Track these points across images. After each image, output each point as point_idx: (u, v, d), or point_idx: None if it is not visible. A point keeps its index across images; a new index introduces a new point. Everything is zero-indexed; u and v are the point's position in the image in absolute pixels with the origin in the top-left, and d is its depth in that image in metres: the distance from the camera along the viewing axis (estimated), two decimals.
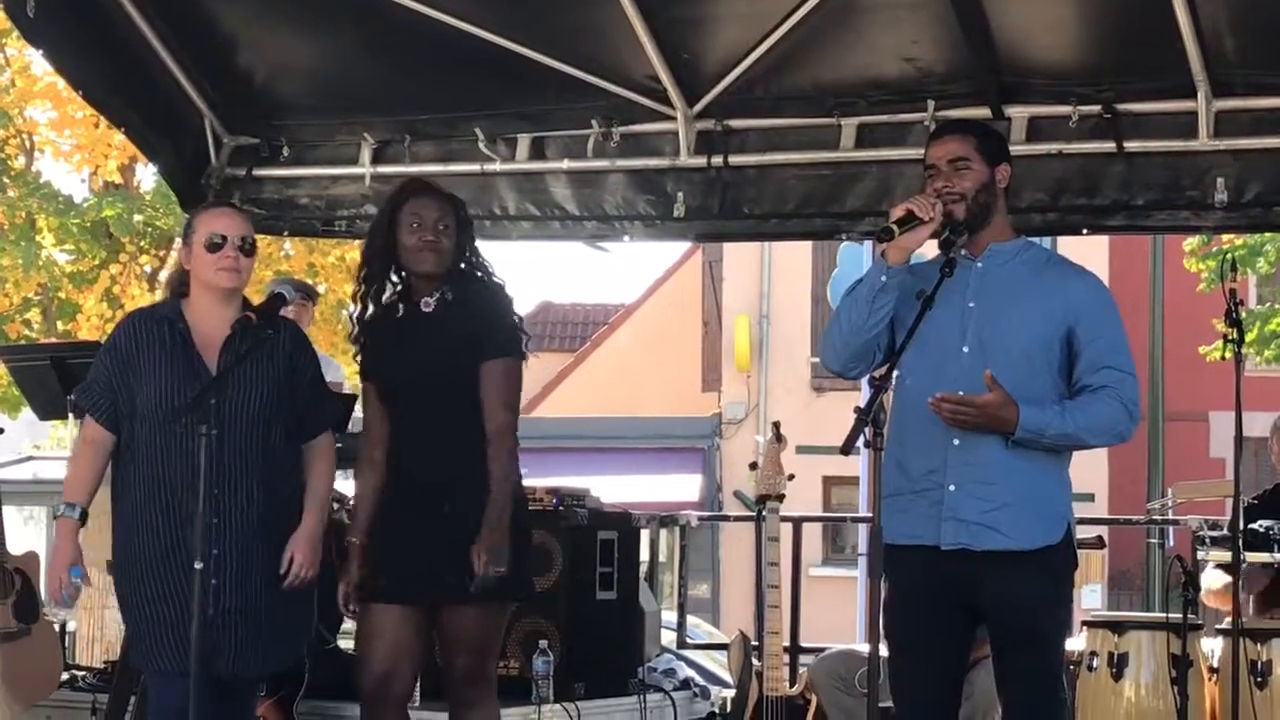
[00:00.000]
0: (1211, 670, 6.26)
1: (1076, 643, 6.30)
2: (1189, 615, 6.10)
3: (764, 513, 6.82)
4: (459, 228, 5.32)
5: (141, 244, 15.92)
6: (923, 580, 4.74)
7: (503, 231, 7.30)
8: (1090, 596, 16.52)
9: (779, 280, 23.41)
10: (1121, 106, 6.33)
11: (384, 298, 5.37)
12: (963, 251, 4.79)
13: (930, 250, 4.84)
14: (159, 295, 12.43)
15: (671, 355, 25.59)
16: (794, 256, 22.75)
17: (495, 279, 5.37)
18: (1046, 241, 7.40)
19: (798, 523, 8.07)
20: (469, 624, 5.18)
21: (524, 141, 7.18)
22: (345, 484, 7.30)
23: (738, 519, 18.05)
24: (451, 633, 5.20)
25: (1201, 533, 6.54)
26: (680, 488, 22.61)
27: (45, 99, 15.36)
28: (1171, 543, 9.24)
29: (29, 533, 16.28)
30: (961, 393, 4.67)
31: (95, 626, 11.38)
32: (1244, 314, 6.16)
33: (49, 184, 16.02)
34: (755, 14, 6.47)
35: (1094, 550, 7.30)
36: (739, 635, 7.00)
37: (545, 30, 6.73)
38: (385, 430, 5.33)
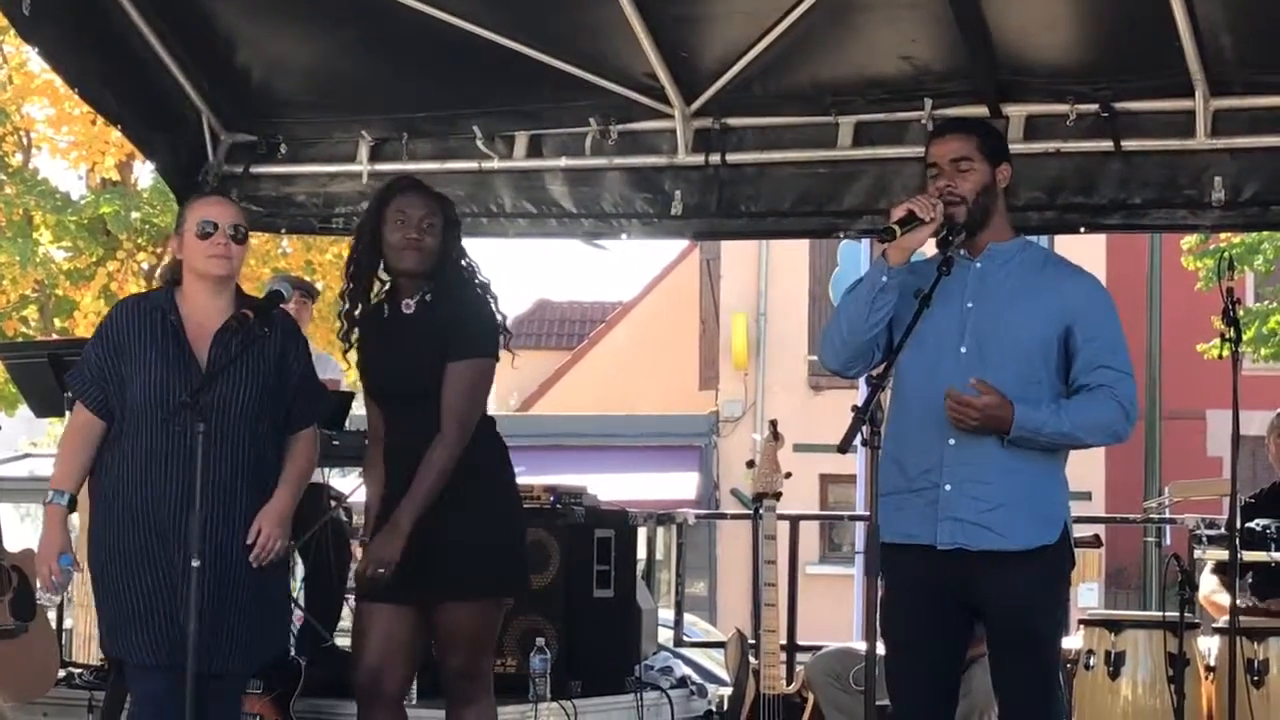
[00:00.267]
0: (1208, 669, 6.26)
1: (1073, 641, 6.31)
2: (1186, 614, 6.11)
3: (761, 511, 6.82)
4: (446, 227, 5.27)
5: (139, 241, 15.87)
6: (919, 579, 4.74)
7: (500, 229, 7.30)
8: (1087, 595, 16.50)
9: (776, 278, 23.41)
10: (1119, 105, 6.33)
11: (374, 296, 5.35)
12: (961, 251, 4.78)
13: (930, 249, 4.84)
14: None
15: (668, 353, 25.59)
16: (791, 254, 22.74)
17: (480, 280, 5.32)
18: (1044, 240, 7.40)
19: (795, 521, 8.08)
20: (462, 621, 5.17)
21: (522, 139, 7.18)
22: (343, 482, 7.32)
23: (735, 517, 18.03)
24: (445, 630, 5.19)
25: (1198, 531, 6.55)
26: (677, 486, 22.60)
27: (42, 96, 15.32)
28: (1168, 541, 9.24)
29: (25, 530, 16.26)
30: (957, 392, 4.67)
31: (92, 624, 11.38)
32: (1241, 312, 6.15)
33: (46, 181, 15.98)
34: (753, 12, 6.47)
35: (1091, 549, 7.30)
36: (736, 633, 7.00)
37: (543, 28, 6.73)
38: (380, 429, 5.33)
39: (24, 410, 11.31)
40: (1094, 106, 6.34)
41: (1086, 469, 16.33)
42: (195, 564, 4.75)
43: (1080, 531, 4.92)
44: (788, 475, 6.89)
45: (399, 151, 7.29)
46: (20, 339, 15.28)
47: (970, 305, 4.77)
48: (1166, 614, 6.17)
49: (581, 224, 7.26)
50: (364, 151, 7.37)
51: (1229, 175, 6.28)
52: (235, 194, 7.45)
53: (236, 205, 5.37)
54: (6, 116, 15.71)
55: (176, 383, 4.96)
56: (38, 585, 4.97)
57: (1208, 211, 6.37)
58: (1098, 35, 6.27)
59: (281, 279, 7.20)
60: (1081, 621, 6.42)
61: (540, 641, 6.33)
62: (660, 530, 8.59)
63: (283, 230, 8.43)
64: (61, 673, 6.81)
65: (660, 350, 25.80)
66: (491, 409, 5.37)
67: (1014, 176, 5.00)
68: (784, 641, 7.29)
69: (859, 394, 5.39)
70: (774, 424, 7.01)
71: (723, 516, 21.17)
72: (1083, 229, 6.70)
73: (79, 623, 11.65)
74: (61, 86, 13.36)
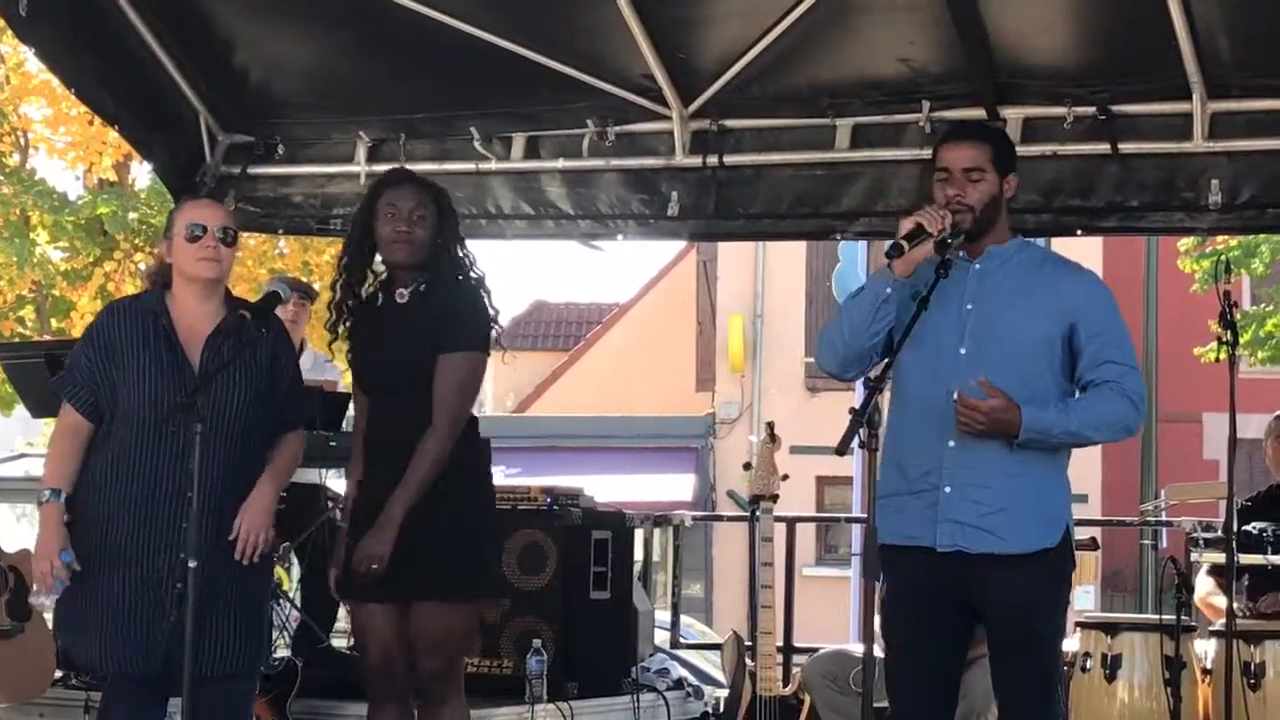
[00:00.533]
0: (1205, 672, 6.26)
1: (1070, 644, 6.30)
2: (1182, 617, 6.11)
3: (758, 513, 6.82)
4: (439, 218, 5.25)
5: (136, 241, 15.88)
6: (919, 581, 4.74)
7: (497, 230, 7.31)
8: (1083, 598, 16.47)
9: (773, 280, 23.41)
10: (1116, 108, 6.33)
11: (366, 287, 5.34)
12: (960, 253, 4.78)
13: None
14: None
15: (665, 355, 25.60)
16: (788, 256, 22.75)
17: (475, 272, 5.30)
18: (1041, 242, 7.40)
19: (791, 523, 8.08)
20: (436, 622, 5.12)
21: (519, 140, 7.18)
22: (341, 483, 7.31)
23: (731, 519, 18.04)
24: (418, 630, 5.14)
25: (1195, 534, 6.55)
26: (674, 487, 22.60)
27: (40, 96, 15.34)
28: (1165, 544, 9.24)
29: (21, 530, 16.25)
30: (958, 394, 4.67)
31: None
32: (1238, 315, 6.16)
33: (43, 181, 15.99)
34: (751, 14, 6.47)
35: (1087, 551, 7.29)
36: (732, 635, 7.00)
37: (541, 30, 6.73)
38: (364, 422, 5.30)
39: (20, 410, 11.31)
40: (1091, 109, 6.35)
41: (1083, 471, 16.28)
42: (192, 564, 4.73)
43: (1077, 534, 4.91)
44: (784, 477, 6.89)
45: (397, 153, 7.29)
46: (17, 339, 15.27)
47: (970, 307, 4.77)
48: (1163, 617, 6.17)
49: (578, 225, 7.27)
50: (362, 152, 7.37)
51: (1226, 178, 6.28)
52: (233, 195, 7.46)
53: (225, 208, 5.38)
54: (4, 117, 15.72)
55: (170, 387, 4.94)
56: (35, 586, 4.93)
57: (1205, 214, 6.37)
58: (1095, 38, 6.28)
59: (279, 280, 7.17)
60: (1078, 624, 6.41)
61: (537, 643, 6.33)
62: (657, 532, 8.58)
63: (280, 231, 8.44)
64: (58, 673, 6.81)
65: (657, 352, 25.80)
66: (488, 410, 5.40)
67: None
68: (780, 643, 7.29)
69: (856, 396, 5.40)
70: (771, 426, 7.01)
71: (719, 518, 21.18)
72: (1080, 231, 6.71)
73: None
74: (59, 86, 13.35)
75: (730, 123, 6.89)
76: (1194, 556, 6.68)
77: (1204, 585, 6.79)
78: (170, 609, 4.84)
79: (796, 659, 7.50)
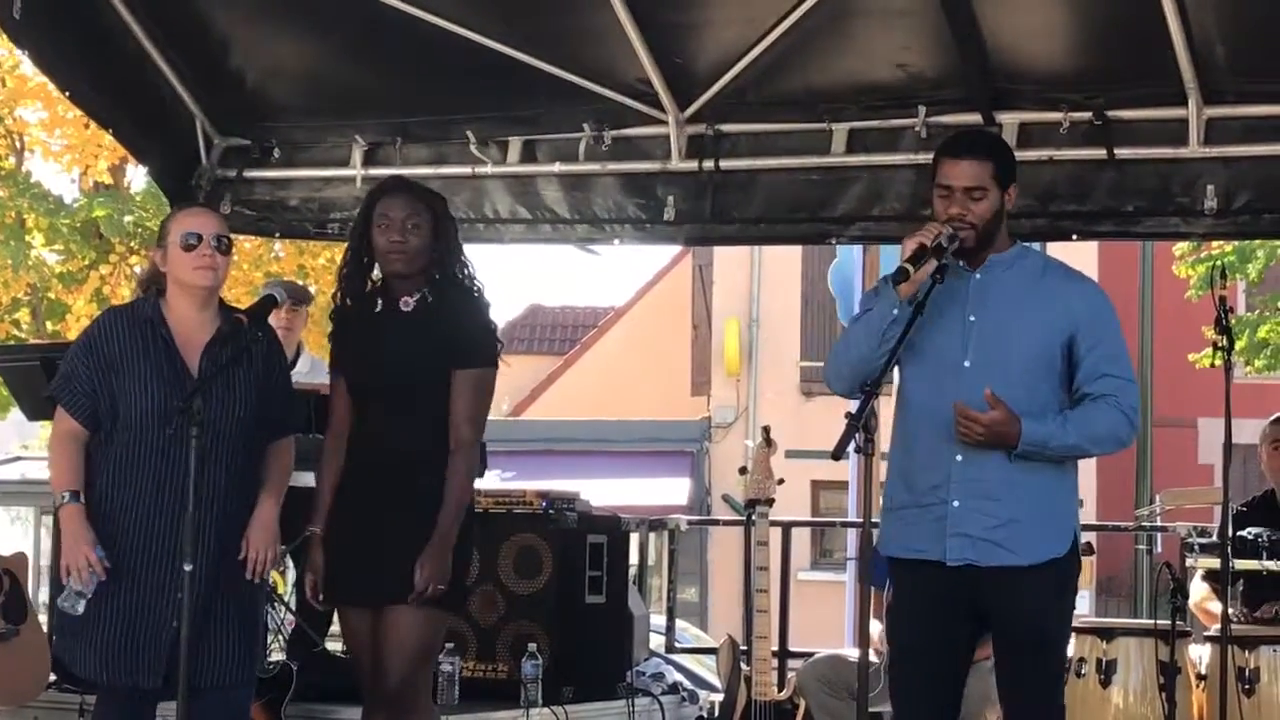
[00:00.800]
0: (1199, 677, 6.27)
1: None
2: (1177, 622, 6.11)
3: (753, 517, 6.82)
4: (436, 226, 5.23)
5: (131, 245, 15.87)
6: (928, 591, 4.73)
7: (494, 234, 7.31)
8: (1078, 603, 16.51)
9: (769, 284, 23.39)
10: (1112, 113, 6.34)
11: (364, 290, 5.33)
12: (960, 263, 4.76)
13: None
14: None
15: (661, 359, 25.58)
16: (784, 261, 22.72)
17: (476, 283, 5.29)
18: (1037, 246, 7.40)
19: (787, 527, 8.08)
20: (405, 629, 5.07)
21: (515, 144, 7.18)
22: None
23: (727, 523, 18.02)
24: (385, 635, 5.09)
25: (1190, 540, 6.56)
26: (669, 491, 22.58)
27: (36, 99, 15.32)
28: (1160, 549, 9.23)
29: (16, 533, 16.22)
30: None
31: None
32: (1233, 321, 6.17)
33: (39, 184, 15.98)
34: (747, 19, 6.47)
35: (1083, 556, 7.30)
36: (727, 639, 7.00)
37: (537, 34, 6.73)
38: (348, 423, 5.25)
39: (15, 414, 11.31)
40: (1087, 114, 6.35)
41: (1078, 476, 16.30)
42: (188, 568, 4.72)
43: None
44: (780, 481, 6.90)
45: (393, 156, 7.29)
46: (12, 342, 15.26)
47: (972, 319, 4.75)
48: (1158, 622, 6.18)
49: (575, 229, 7.27)
50: (358, 156, 7.37)
51: (1221, 183, 6.29)
52: (229, 198, 7.46)
53: (219, 216, 5.36)
54: None
55: (172, 397, 4.91)
56: (69, 583, 4.90)
57: (1200, 219, 6.38)
58: (1091, 43, 6.28)
59: (275, 284, 7.17)
60: (1073, 629, 6.41)
61: (532, 647, 6.33)
62: (652, 536, 8.58)
63: (276, 234, 8.44)
64: (53, 676, 6.80)
65: (652, 356, 25.78)
66: None
67: None
68: (775, 648, 7.29)
69: (852, 401, 5.38)
70: (766, 430, 7.01)
71: (715, 523, 21.15)
72: (1075, 236, 6.71)
73: None
74: (55, 90, 13.36)
75: (726, 127, 6.89)
76: (1189, 562, 6.68)
77: (1199, 590, 6.80)
78: (171, 619, 4.82)
79: (792, 663, 7.50)
